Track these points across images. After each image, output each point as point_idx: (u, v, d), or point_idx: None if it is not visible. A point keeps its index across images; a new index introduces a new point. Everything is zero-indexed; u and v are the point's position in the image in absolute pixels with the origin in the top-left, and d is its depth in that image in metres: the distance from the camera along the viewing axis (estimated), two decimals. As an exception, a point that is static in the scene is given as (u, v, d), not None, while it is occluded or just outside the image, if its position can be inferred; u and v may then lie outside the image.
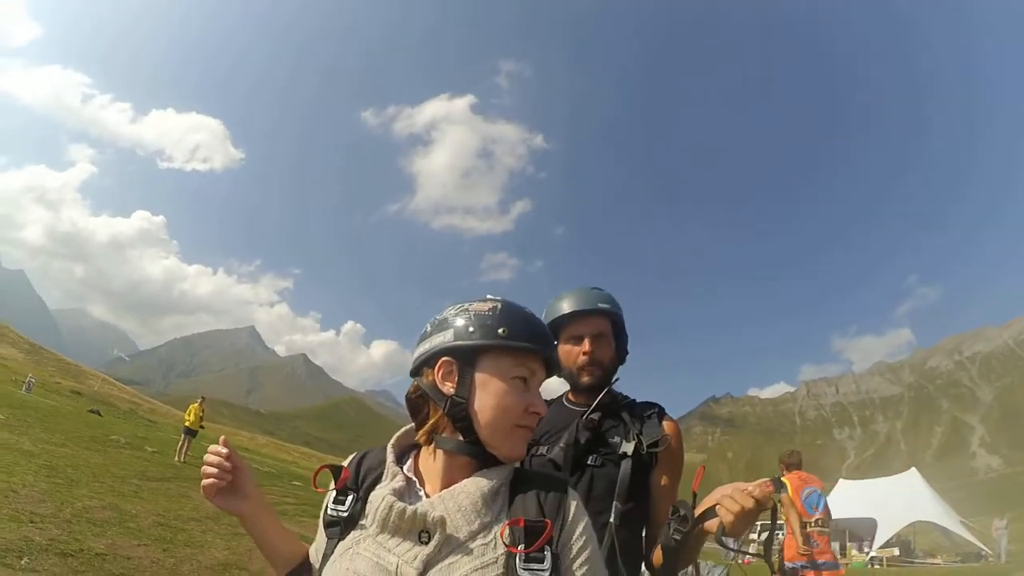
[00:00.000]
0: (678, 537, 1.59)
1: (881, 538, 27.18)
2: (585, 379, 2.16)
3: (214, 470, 1.30)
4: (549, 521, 1.09)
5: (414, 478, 1.24)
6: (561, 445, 2.06)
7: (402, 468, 1.25)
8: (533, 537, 1.07)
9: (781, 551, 7.35)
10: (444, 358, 1.22)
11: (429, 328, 1.27)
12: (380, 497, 1.16)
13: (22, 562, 5.26)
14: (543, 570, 1.06)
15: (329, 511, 1.22)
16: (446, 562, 1.08)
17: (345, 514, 1.19)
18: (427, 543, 1.09)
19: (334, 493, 1.23)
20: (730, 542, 1.50)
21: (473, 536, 1.11)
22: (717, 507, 1.51)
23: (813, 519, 7.05)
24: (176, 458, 17.46)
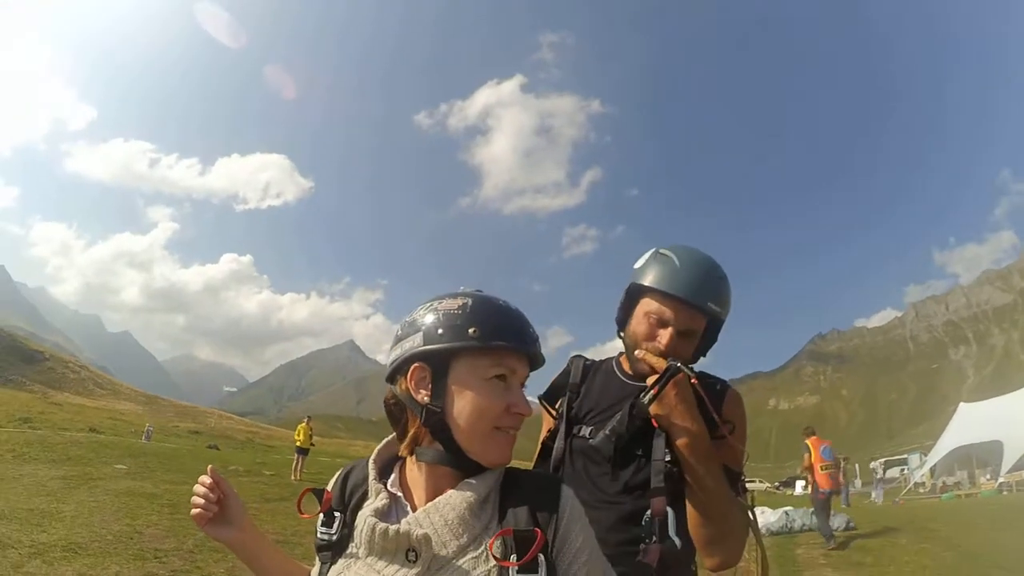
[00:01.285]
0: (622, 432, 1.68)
1: (1009, 461, 25.32)
2: (642, 368, 1.77)
3: (201, 501, 1.28)
4: (539, 531, 1.02)
5: (399, 493, 1.17)
6: (607, 432, 1.72)
7: (386, 483, 1.19)
8: (525, 547, 1.00)
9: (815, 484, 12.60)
10: (416, 364, 1.13)
11: (400, 331, 1.18)
12: (363, 518, 1.10)
13: (147, 595, 5.55)
14: None
15: (319, 535, 1.17)
16: None
17: (334, 537, 1.15)
18: (415, 562, 1.04)
19: (322, 516, 1.19)
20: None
21: (463, 551, 1.04)
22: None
23: (823, 464, 12.45)
24: (292, 477, 18.44)
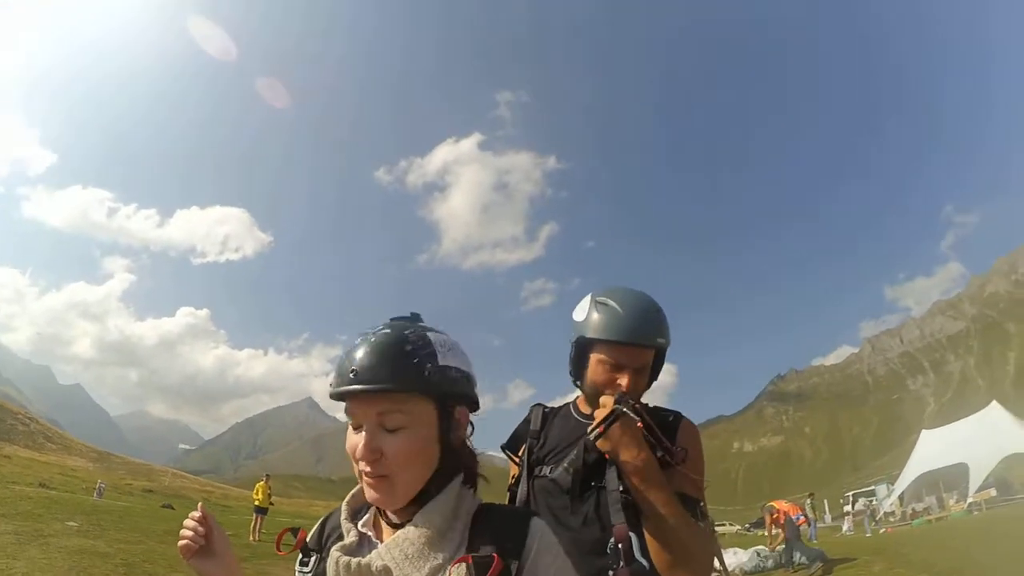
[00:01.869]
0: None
1: (976, 481, 26.03)
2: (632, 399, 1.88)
3: (190, 533, 1.33)
4: (496, 556, 1.03)
5: (370, 532, 1.22)
6: (565, 465, 1.85)
7: (356, 524, 1.24)
8: (484, 573, 1.02)
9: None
10: None
11: None
12: (332, 555, 1.15)
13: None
14: None
15: (297, 574, 1.24)
16: None
17: (310, 575, 1.21)
18: None
19: (300, 556, 1.25)
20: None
21: None
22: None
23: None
24: (251, 537, 17.97)
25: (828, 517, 47.59)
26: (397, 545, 1.10)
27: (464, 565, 1.03)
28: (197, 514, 1.35)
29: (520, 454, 2.03)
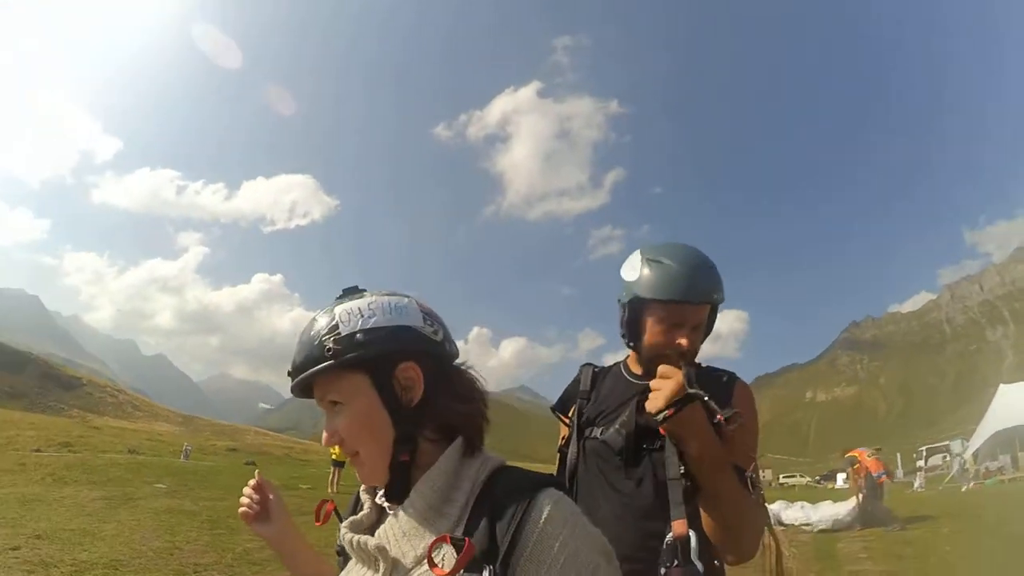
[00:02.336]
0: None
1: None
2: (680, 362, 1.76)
3: (246, 500, 1.43)
4: (468, 539, 0.93)
5: (386, 503, 1.15)
6: (617, 427, 1.81)
7: (374, 496, 1.19)
8: (460, 556, 0.93)
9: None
10: None
11: None
12: (342, 529, 1.14)
13: (188, 609, 5.67)
14: None
15: (339, 542, 1.18)
16: None
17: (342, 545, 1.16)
18: (379, 572, 1.04)
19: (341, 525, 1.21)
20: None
21: (419, 561, 1.00)
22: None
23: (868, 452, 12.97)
24: (329, 490, 18.49)
25: (900, 472, 46.09)
26: (397, 523, 1.06)
27: (447, 545, 0.95)
28: (253, 482, 1.46)
29: (570, 415, 1.98)
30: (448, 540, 0.94)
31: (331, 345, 1.06)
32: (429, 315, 1.13)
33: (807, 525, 14.74)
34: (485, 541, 0.95)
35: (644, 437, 1.75)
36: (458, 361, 1.17)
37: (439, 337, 1.12)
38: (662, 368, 1.57)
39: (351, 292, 1.16)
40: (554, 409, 2.05)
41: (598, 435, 1.85)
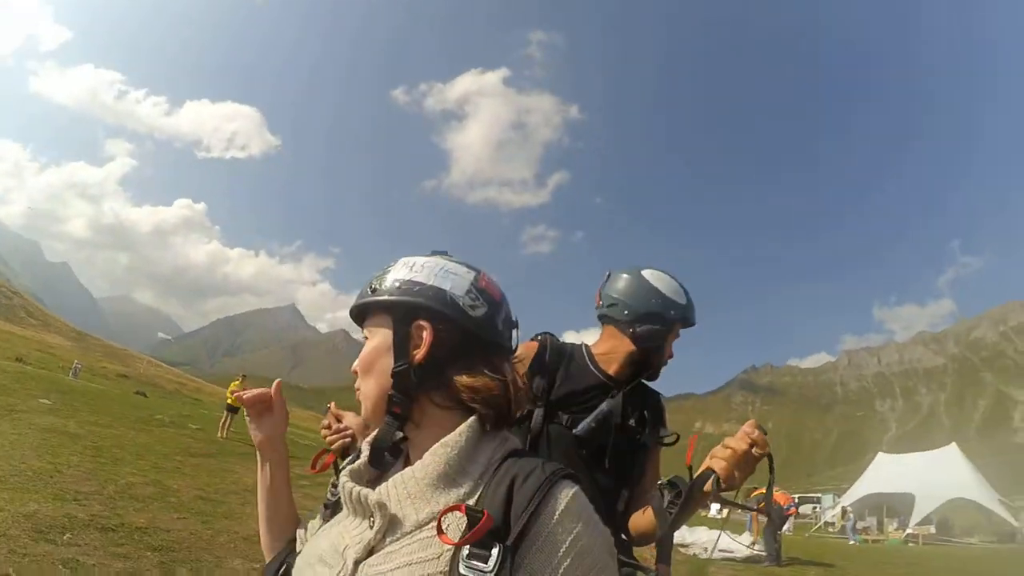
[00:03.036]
0: (673, 510, 1.59)
1: (919, 515, 26.82)
2: (655, 377, 2.16)
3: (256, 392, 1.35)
4: (486, 511, 0.92)
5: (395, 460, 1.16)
6: (592, 423, 1.93)
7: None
8: (473, 528, 0.91)
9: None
10: None
11: None
12: (341, 477, 1.11)
13: (64, 537, 5.49)
14: (484, 570, 0.89)
15: (328, 495, 1.20)
16: (387, 550, 0.98)
17: (338, 498, 1.14)
18: (373, 527, 1.01)
19: (334, 477, 1.19)
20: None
21: (421, 525, 0.98)
22: (710, 461, 1.52)
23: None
24: (219, 434, 18.07)
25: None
26: (403, 482, 1.03)
27: (458, 514, 0.94)
28: (275, 386, 1.37)
29: (534, 387, 1.99)
30: (463, 510, 0.93)
31: (375, 284, 1.13)
32: (482, 292, 1.12)
33: (684, 546, 15.32)
34: (499, 519, 0.93)
35: (607, 432, 1.94)
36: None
37: (476, 313, 1.10)
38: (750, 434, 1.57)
39: (437, 253, 1.20)
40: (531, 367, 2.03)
41: (566, 423, 1.95)
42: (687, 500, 1.57)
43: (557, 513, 0.94)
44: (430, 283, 1.10)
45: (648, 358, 2.08)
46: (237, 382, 21.55)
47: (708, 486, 1.50)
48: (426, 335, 1.07)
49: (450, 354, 1.08)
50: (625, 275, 2.13)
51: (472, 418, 1.07)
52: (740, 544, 15.30)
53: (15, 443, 8.82)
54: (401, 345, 1.09)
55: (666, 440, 2.03)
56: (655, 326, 2.04)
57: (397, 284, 1.11)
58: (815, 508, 44.76)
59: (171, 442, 13.52)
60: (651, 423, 2.04)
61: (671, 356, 2.14)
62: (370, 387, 1.12)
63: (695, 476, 1.54)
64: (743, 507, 1.69)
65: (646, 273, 2.12)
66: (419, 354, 1.07)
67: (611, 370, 2.08)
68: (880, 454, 35.89)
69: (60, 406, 14.15)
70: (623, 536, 1.91)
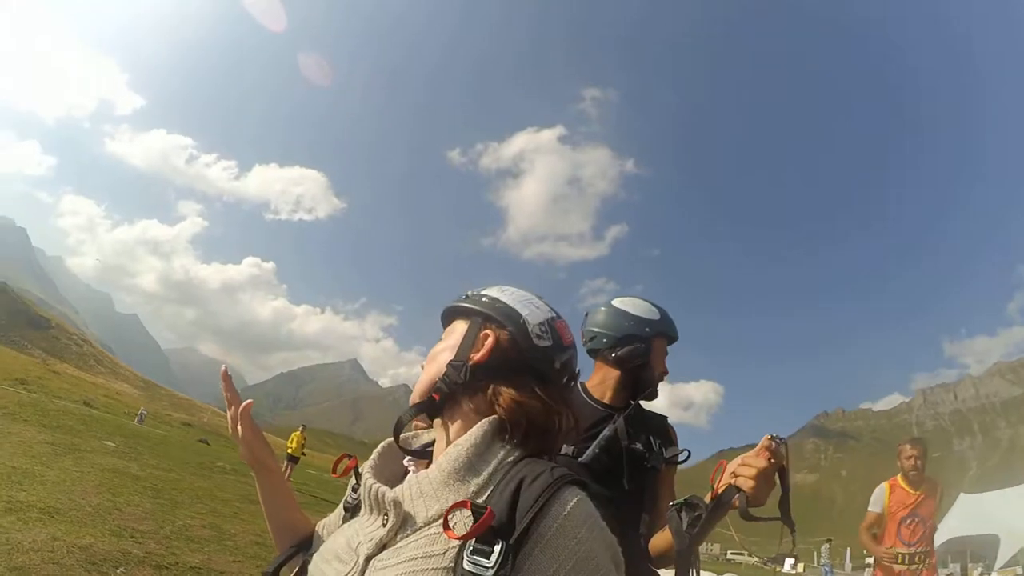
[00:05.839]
0: (694, 530, 1.58)
1: (1004, 556, 25.31)
2: (655, 391, 2.27)
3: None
4: (490, 507, 0.94)
5: (411, 465, 1.23)
6: (596, 449, 2.04)
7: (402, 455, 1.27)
8: (478, 522, 0.93)
9: None
10: None
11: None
12: (364, 476, 1.17)
13: (118, 571, 5.44)
14: (486, 566, 0.91)
15: (348, 497, 1.25)
16: (397, 545, 1.02)
17: (359, 500, 1.19)
18: (386, 525, 1.05)
19: (353, 480, 1.25)
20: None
21: (430, 522, 1.01)
22: (733, 480, 1.52)
23: (901, 551, 5.64)
24: None
25: (848, 566, 46.80)
26: (417, 482, 1.07)
27: (465, 511, 0.95)
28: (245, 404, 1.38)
29: None
30: (468, 506, 0.96)
31: (468, 294, 1.28)
32: (552, 330, 1.21)
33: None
34: (504, 517, 0.95)
35: (617, 461, 2.04)
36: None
37: (540, 343, 1.18)
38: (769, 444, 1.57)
39: (535, 295, 1.30)
40: None
41: (572, 453, 2.02)
42: (712, 513, 1.56)
43: (562, 516, 0.96)
44: (511, 305, 1.21)
45: (637, 378, 2.24)
46: (298, 432, 21.71)
47: (735, 502, 1.51)
48: (488, 342, 1.17)
49: (503, 367, 1.15)
50: (600, 308, 2.34)
51: (487, 419, 1.11)
52: None
53: (77, 480, 8.90)
54: (465, 345, 1.19)
55: (676, 459, 2.13)
56: (633, 345, 2.21)
57: (484, 299, 1.24)
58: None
59: (231, 488, 13.57)
60: (658, 445, 2.11)
61: (665, 372, 2.29)
62: (426, 373, 1.21)
63: (719, 492, 1.55)
64: (769, 519, 1.56)
65: (616, 301, 2.33)
66: (477, 356, 1.16)
67: (606, 399, 2.25)
68: (962, 495, 33.81)
69: (124, 448, 14.40)
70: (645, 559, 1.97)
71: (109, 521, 7.08)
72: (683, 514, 1.62)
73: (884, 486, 5.71)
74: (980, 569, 27.18)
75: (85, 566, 5.28)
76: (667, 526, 1.70)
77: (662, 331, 2.27)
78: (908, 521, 5.42)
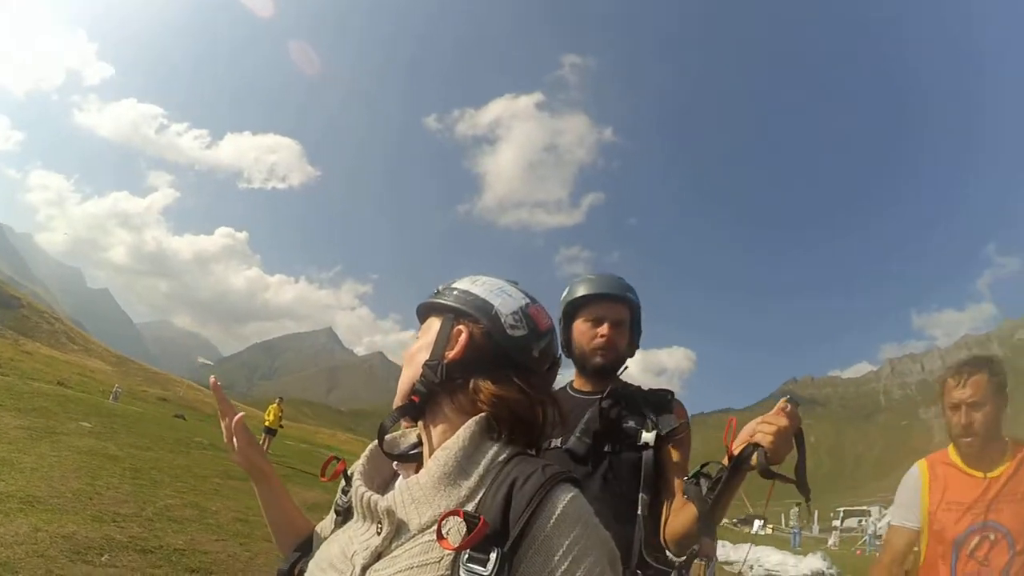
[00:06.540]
0: (713, 495, 1.56)
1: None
2: (597, 360, 2.15)
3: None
4: (482, 517, 0.94)
5: (401, 470, 1.24)
6: (577, 434, 2.00)
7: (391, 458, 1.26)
8: (472, 533, 0.93)
9: None
10: None
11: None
12: (354, 483, 1.16)
13: (103, 558, 5.44)
14: (483, 574, 0.91)
15: (338, 501, 1.25)
16: (392, 554, 1.01)
17: (349, 503, 1.19)
18: (380, 533, 1.04)
19: (343, 483, 1.25)
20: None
21: (423, 529, 1.00)
22: (754, 436, 1.50)
23: None
24: None
25: (816, 528, 48.11)
26: (408, 488, 1.07)
27: (457, 519, 0.95)
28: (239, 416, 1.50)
29: None
30: (461, 515, 0.95)
31: (439, 289, 1.25)
32: (527, 317, 1.18)
33: (727, 564, 14.97)
34: (497, 523, 0.95)
35: (601, 442, 2.00)
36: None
37: (514, 333, 1.16)
38: (783, 406, 1.55)
39: (509, 281, 1.28)
40: None
41: (557, 444, 2.00)
42: (731, 474, 1.53)
43: (555, 516, 0.96)
44: (482, 296, 1.19)
45: (584, 352, 2.18)
46: (275, 405, 21.67)
47: (754, 460, 1.46)
48: (462, 339, 1.15)
49: (480, 362, 1.14)
50: None
51: (474, 419, 1.10)
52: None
53: (55, 465, 8.82)
54: (439, 344, 1.17)
55: (669, 431, 2.00)
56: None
57: (455, 292, 1.21)
58: (861, 521, 43.71)
59: (209, 464, 13.55)
60: (653, 421, 2.03)
61: (603, 336, 2.14)
62: (405, 376, 1.21)
63: (738, 452, 1.51)
64: (787, 479, 1.49)
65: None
66: (451, 354, 1.15)
67: (586, 388, 2.21)
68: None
69: (100, 429, 14.25)
70: (652, 540, 1.90)
71: (90, 506, 7.07)
72: (701, 482, 1.60)
73: (919, 468, 2.68)
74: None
75: (70, 556, 5.27)
76: (683, 504, 1.71)
77: (565, 300, 2.24)
78: (977, 544, 2.42)
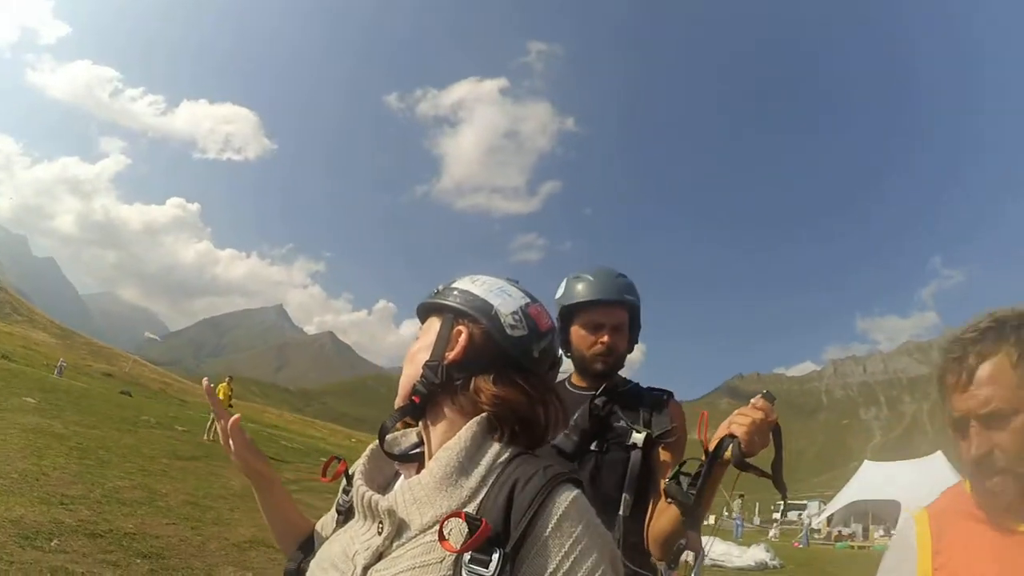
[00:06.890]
0: (694, 492, 1.53)
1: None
2: (598, 367, 2.15)
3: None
4: (484, 520, 0.94)
5: (402, 470, 1.24)
6: (566, 432, 2.01)
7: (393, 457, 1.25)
8: (474, 535, 0.92)
9: None
10: None
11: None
12: (355, 483, 1.15)
13: (52, 543, 5.35)
14: (485, 575, 0.92)
15: (339, 501, 1.24)
16: (393, 555, 1.00)
17: (350, 503, 1.18)
18: (381, 533, 1.04)
19: (344, 482, 1.23)
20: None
21: (424, 529, 1.00)
22: (730, 428, 1.51)
23: None
24: (205, 437, 17.60)
25: (757, 520, 49.58)
26: (410, 488, 1.06)
27: (459, 520, 0.95)
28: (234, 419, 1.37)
29: None
30: (463, 517, 0.95)
31: (439, 289, 1.24)
32: (527, 317, 1.17)
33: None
34: (499, 524, 0.95)
35: (589, 440, 2.03)
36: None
37: (514, 334, 1.15)
38: (757, 401, 1.58)
39: (509, 280, 1.26)
40: None
41: (555, 442, 2.00)
42: (709, 468, 1.53)
43: (556, 517, 0.96)
44: (482, 296, 1.18)
45: (583, 357, 2.16)
46: (224, 384, 21.33)
47: (728, 453, 1.49)
48: (462, 339, 1.14)
49: (480, 362, 1.14)
50: None
51: (475, 419, 1.10)
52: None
53: (0, 445, 8.61)
54: (439, 344, 1.16)
55: (661, 433, 2.02)
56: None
57: (455, 292, 1.20)
58: (800, 515, 45.17)
59: (158, 444, 13.36)
60: (644, 422, 2.05)
61: (603, 343, 2.13)
62: (406, 373, 1.20)
63: (714, 444, 1.52)
64: (762, 473, 1.54)
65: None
66: (451, 354, 1.14)
67: (582, 384, 2.20)
68: (866, 462, 36.34)
69: (45, 405, 13.95)
70: (631, 541, 1.92)
71: (37, 488, 6.94)
72: (681, 480, 1.58)
73: (916, 524, 1.36)
74: (881, 531, 29.21)
75: (18, 541, 5.17)
76: (666, 505, 1.67)
77: (563, 303, 2.19)
78: None
